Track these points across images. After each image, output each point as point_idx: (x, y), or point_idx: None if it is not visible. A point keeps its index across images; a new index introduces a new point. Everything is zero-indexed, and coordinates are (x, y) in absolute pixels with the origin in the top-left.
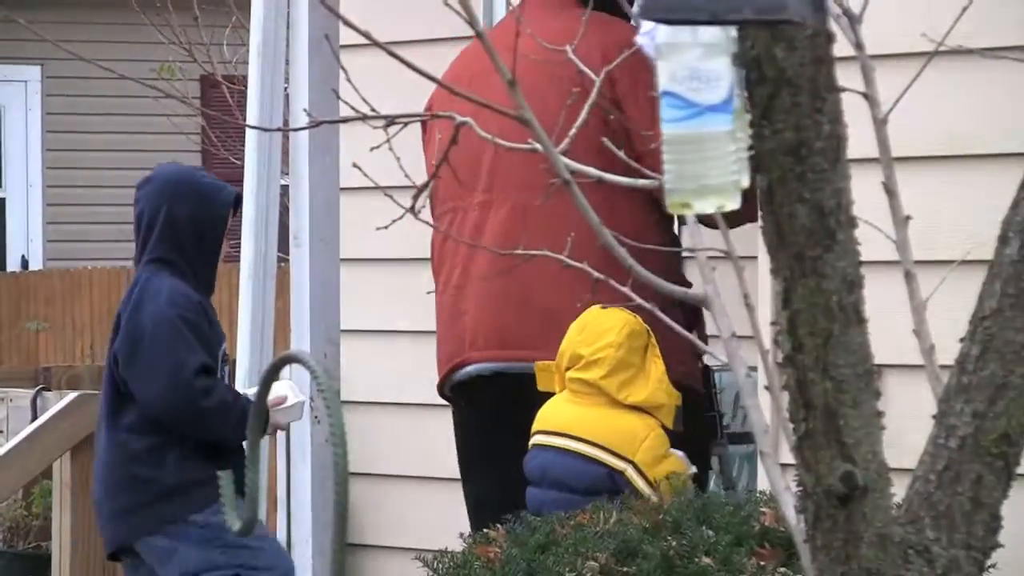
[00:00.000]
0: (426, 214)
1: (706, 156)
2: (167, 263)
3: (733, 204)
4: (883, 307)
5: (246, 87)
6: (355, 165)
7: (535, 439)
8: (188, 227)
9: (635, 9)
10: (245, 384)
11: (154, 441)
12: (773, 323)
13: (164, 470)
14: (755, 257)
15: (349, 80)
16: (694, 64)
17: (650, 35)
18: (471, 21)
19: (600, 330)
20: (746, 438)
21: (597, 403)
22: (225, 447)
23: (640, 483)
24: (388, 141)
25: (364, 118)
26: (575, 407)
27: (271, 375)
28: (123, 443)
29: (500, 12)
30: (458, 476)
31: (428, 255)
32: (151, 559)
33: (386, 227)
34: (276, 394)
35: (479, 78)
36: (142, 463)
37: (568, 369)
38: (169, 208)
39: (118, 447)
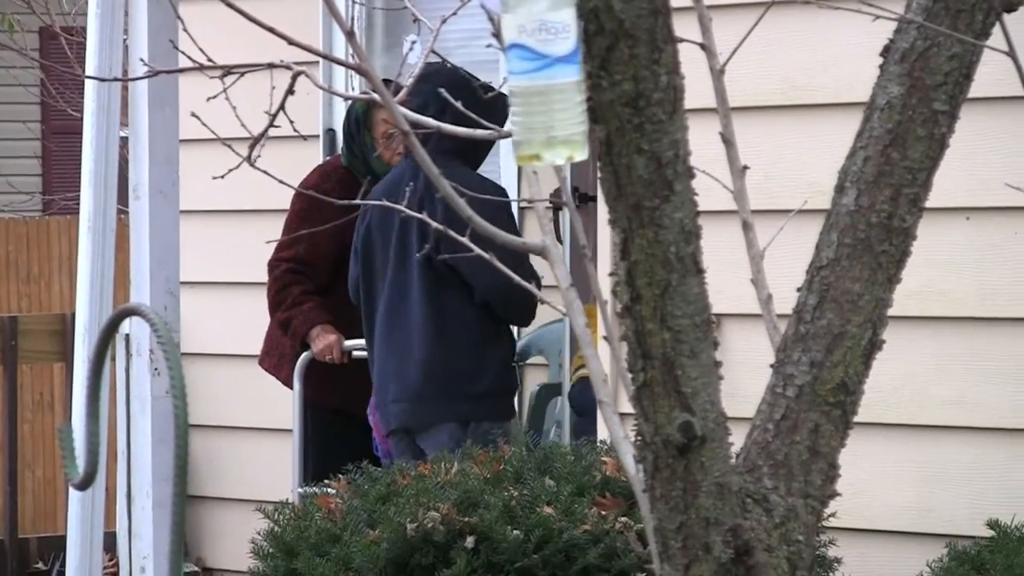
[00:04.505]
0: (262, 164)
1: (554, 107)
2: (457, 153)
3: (581, 155)
4: (723, 258)
5: (85, 39)
6: (193, 114)
7: (582, 372)
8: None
9: None
10: (84, 336)
11: (480, 335)
12: (611, 273)
13: (486, 369)
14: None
15: (187, 31)
16: (542, 16)
17: None
18: None
19: None
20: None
21: None
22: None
23: None
24: (225, 91)
25: (200, 68)
26: None
27: (110, 329)
28: (444, 329)
29: None
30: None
31: (266, 207)
32: (426, 442)
33: (222, 176)
34: None
35: None
36: (462, 355)
37: None
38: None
39: (435, 333)
